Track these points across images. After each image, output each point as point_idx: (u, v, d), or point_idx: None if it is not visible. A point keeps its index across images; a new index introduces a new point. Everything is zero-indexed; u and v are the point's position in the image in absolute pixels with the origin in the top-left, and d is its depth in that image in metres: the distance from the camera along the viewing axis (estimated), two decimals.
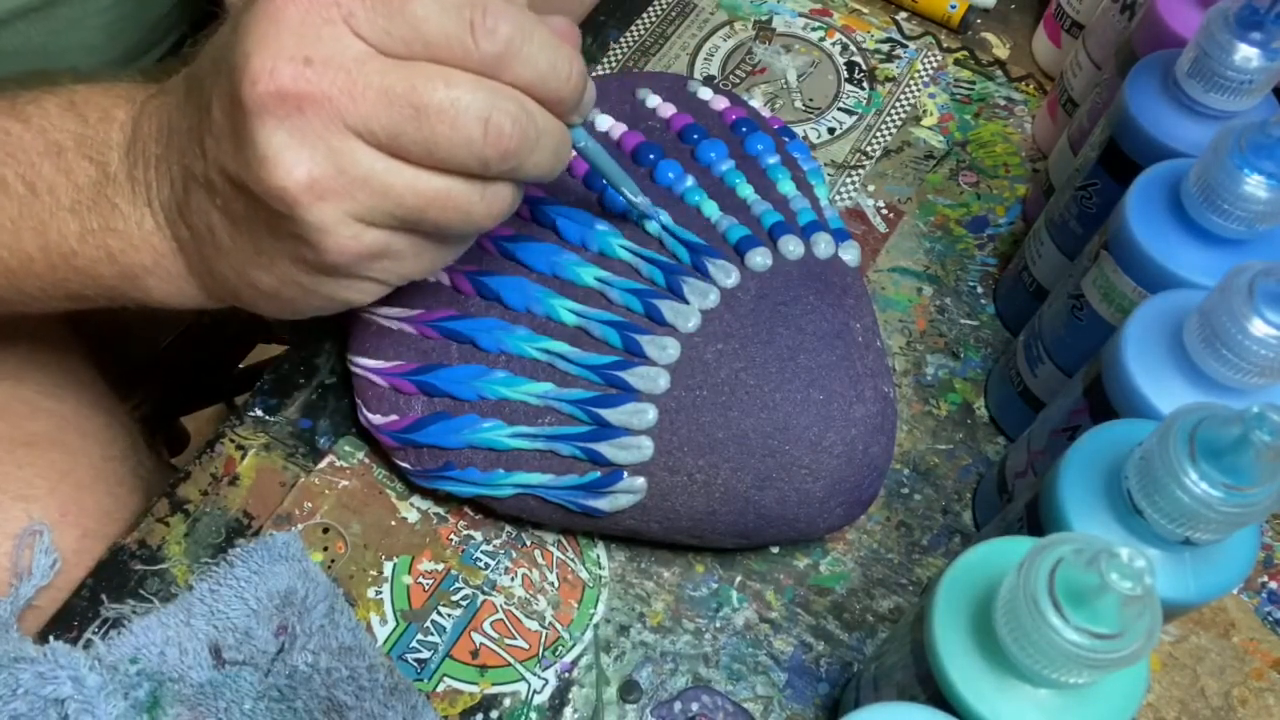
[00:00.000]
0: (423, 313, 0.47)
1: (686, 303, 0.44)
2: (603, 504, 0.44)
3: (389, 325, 0.47)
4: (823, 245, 0.47)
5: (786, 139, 0.52)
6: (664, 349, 0.44)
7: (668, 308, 0.44)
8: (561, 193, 0.48)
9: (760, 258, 0.45)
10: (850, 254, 0.47)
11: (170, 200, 0.37)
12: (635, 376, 0.43)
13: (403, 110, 0.32)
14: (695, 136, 0.50)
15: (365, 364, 0.47)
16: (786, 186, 0.49)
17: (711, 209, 0.47)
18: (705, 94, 0.53)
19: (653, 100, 0.52)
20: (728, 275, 0.45)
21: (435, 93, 0.32)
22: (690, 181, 0.48)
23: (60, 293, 0.40)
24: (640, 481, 0.44)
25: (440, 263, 0.38)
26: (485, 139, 0.33)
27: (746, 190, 0.48)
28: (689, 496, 0.44)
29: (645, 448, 0.43)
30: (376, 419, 0.47)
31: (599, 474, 0.44)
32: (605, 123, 0.51)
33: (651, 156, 0.49)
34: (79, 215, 0.37)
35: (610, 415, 0.43)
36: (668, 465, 0.43)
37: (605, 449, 0.43)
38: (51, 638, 0.43)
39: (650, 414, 0.43)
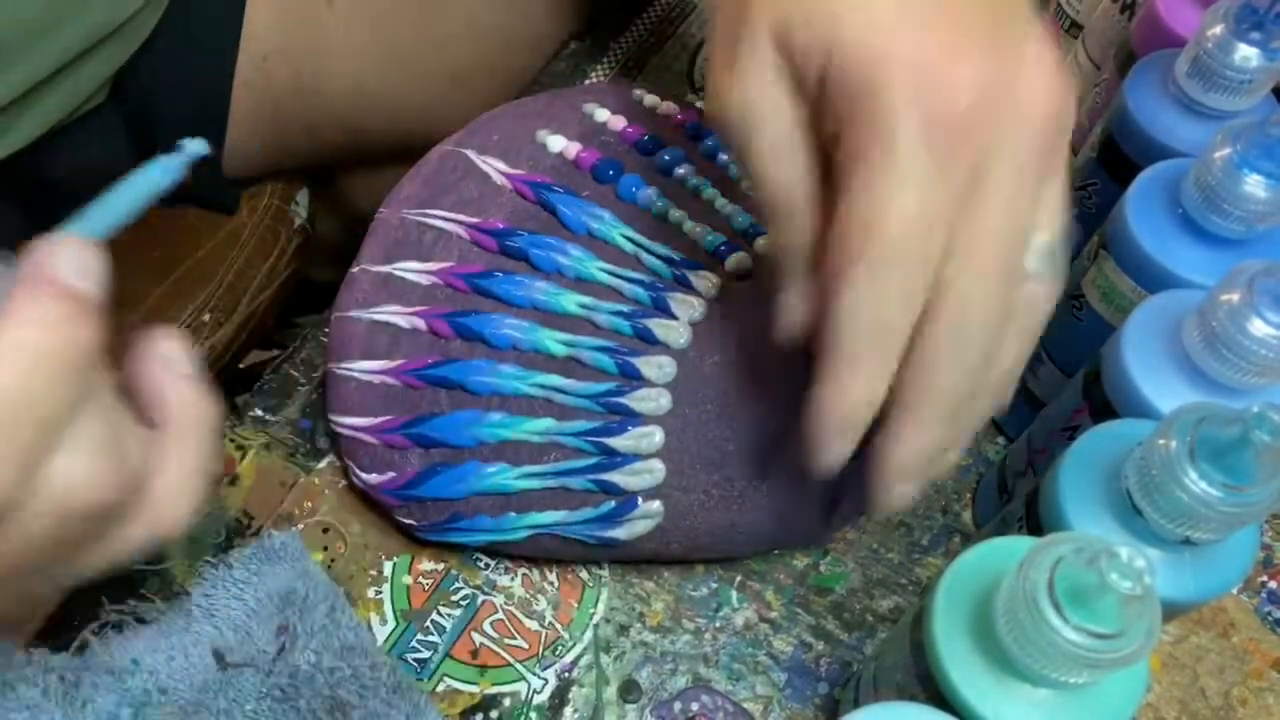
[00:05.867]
0: (404, 362, 0.44)
1: (675, 318, 0.43)
2: (620, 533, 0.43)
3: (370, 380, 0.45)
4: None
5: None
6: (660, 368, 0.43)
7: (657, 326, 0.43)
8: (526, 220, 0.46)
9: (739, 261, 0.45)
10: None
11: None
12: (636, 400, 0.42)
13: None
14: (652, 146, 0.48)
15: (351, 423, 0.45)
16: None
17: (680, 217, 0.46)
18: (651, 101, 0.50)
19: (601, 114, 0.49)
20: (711, 284, 0.44)
21: None
22: (654, 192, 0.46)
23: None
24: (656, 505, 0.43)
25: None
26: None
27: (711, 193, 0.47)
28: (707, 513, 0.43)
29: (657, 470, 0.42)
30: (372, 479, 0.45)
31: (614, 504, 0.43)
32: (558, 143, 0.48)
33: (611, 173, 0.47)
34: None
35: (616, 443, 0.42)
36: (681, 485, 0.43)
37: (617, 477, 0.42)
38: (50, 639, 0.43)
39: (657, 436, 0.42)
